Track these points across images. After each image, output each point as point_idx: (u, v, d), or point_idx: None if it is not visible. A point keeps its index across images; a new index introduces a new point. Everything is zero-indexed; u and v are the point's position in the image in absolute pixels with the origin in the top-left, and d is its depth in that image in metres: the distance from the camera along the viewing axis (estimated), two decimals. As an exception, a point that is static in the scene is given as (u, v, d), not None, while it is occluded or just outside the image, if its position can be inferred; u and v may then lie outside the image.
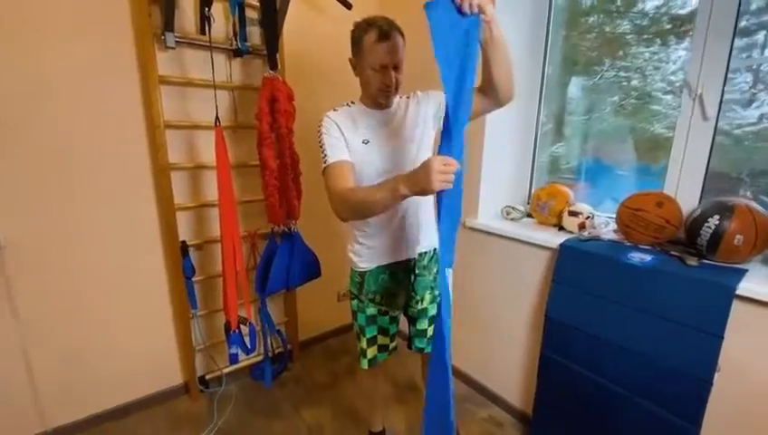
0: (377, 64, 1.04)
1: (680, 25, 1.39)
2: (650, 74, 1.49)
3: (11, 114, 1.33)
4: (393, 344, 1.36)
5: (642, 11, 1.50)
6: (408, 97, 1.20)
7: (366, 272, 1.24)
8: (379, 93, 1.09)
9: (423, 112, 1.16)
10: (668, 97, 1.46)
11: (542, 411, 1.52)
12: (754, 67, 1.26)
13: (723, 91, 1.26)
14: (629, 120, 1.58)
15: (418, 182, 0.85)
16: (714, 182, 1.34)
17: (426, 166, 0.83)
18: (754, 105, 1.26)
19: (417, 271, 1.24)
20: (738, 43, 1.24)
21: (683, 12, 1.38)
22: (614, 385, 1.25)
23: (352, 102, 1.18)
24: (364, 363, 1.33)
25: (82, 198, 1.49)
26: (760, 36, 1.24)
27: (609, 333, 1.26)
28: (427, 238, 1.24)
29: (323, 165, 1.08)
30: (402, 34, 1.07)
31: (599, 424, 1.32)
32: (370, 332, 1.30)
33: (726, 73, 1.25)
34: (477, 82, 1.00)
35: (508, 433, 1.66)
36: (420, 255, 1.24)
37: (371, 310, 1.28)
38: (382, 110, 1.16)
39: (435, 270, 1.27)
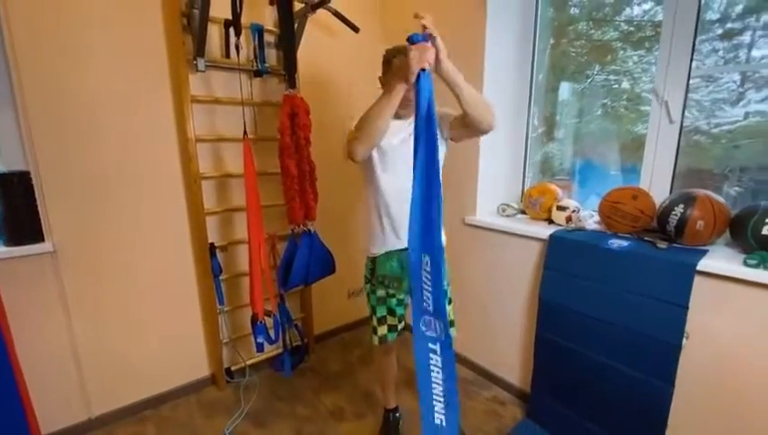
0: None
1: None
2: (639, 76, 1.61)
3: (72, 130, 1.52)
4: (401, 325, 1.54)
5: (629, 18, 1.64)
6: None
7: (376, 257, 1.44)
8: (401, 107, 1.29)
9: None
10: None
11: (538, 387, 1.70)
12: (714, 76, 1.45)
13: (686, 96, 1.46)
14: (618, 123, 1.72)
15: (402, 66, 1.07)
16: (696, 179, 1.48)
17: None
18: (741, 103, 1.39)
19: None
20: (725, 45, 1.39)
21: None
22: (599, 356, 1.43)
23: None
24: (375, 340, 1.52)
25: (123, 205, 1.67)
26: (746, 37, 1.37)
27: (593, 310, 1.44)
28: None
29: (349, 135, 1.28)
30: None
31: (588, 392, 1.49)
32: (381, 311, 1.49)
33: (688, 81, 1.45)
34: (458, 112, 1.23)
35: (509, 410, 1.83)
36: None
37: (381, 292, 1.47)
38: (403, 119, 1.37)
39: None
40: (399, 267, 1.42)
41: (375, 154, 1.34)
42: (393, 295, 1.47)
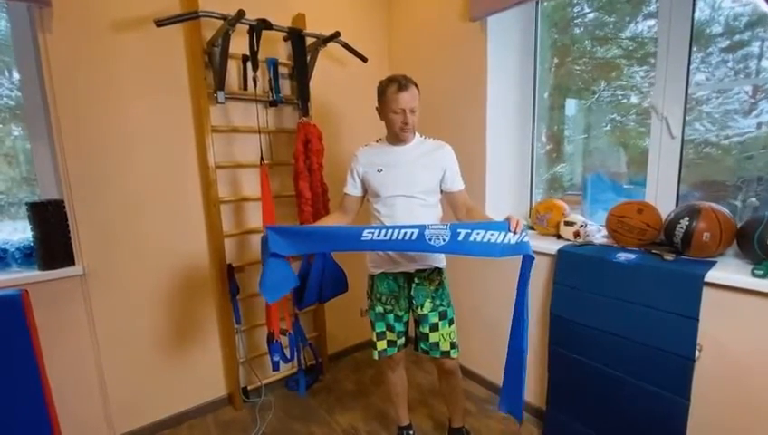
0: (398, 109, 1.34)
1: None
2: (647, 91, 1.61)
3: (102, 161, 1.63)
4: (400, 341, 1.56)
5: (632, 35, 1.67)
6: (434, 140, 1.48)
7: (375, 276, 1.50)
8: (400, 131, 1.38)
9: (438, 163, 1.43)
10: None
11: (553, 404, 1.68)
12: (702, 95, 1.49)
13: (685, 112, 1.49)
14: (627, 137, 1.72)
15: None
16: (710, 190, 1.51)
17: None
18: (754, 114, 1.40)
19: (416, 280, 1.47)
20: (734, 56, 1.41)
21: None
22: (613, 370, 1.43)
23: (380, 139, 1.49)
24: (375, 354, 1.56)
25: (147, 229, 1.76)
26: (754, 48, 1.37)
27: (604, 324, 1.45)
28: (425, 260, 1.45)
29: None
30: (417, 86, 1.37)
31: (604, 408, 1.48)
32: (379, 327, 1.54)
33: (686, 97, 1.49)
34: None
35: (526, 428, 1.81)
36: (417, 271, 1.47)
37: (379, 308, 1.52)
38: (401, 145, 1.44)
39: (436, 282, 1.49)
40: (395, 285, 1.48)
41: (371, 187, 1.46)
42: (391, 311, 1.52)
